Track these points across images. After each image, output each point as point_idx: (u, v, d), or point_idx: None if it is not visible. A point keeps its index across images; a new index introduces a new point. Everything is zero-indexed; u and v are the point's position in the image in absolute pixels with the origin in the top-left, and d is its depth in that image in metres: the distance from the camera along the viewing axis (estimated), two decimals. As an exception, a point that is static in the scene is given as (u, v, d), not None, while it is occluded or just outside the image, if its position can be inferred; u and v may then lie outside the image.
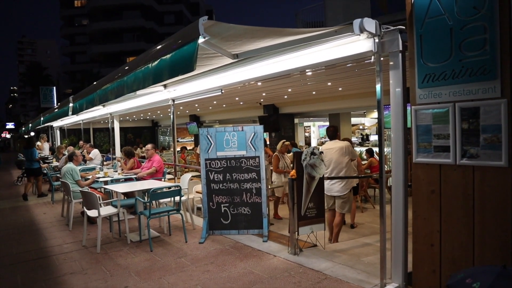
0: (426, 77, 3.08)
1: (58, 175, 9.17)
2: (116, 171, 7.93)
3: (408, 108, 3.32)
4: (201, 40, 3.29)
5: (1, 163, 22.84)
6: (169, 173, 8.60)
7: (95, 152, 10.65)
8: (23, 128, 27.51)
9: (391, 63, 3.35)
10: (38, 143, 15.29)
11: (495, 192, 2.76)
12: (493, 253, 2.78)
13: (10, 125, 72.43)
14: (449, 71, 2.93)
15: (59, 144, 16.99)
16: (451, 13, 2.89)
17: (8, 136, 71.41)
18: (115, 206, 5.42)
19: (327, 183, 5.19)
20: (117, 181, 6.93)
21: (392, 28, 3.28)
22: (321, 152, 4.59)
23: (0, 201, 9.47)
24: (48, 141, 16.84)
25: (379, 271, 3.50)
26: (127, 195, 6.39)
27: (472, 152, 2.85)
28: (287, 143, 8.04)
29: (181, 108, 15.75)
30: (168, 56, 3.74)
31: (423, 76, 3.10)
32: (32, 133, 28.24)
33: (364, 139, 18.59)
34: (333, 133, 5.53)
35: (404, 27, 3.25)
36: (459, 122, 2.92)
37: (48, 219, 7.09)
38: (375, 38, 3.30)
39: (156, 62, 3.98)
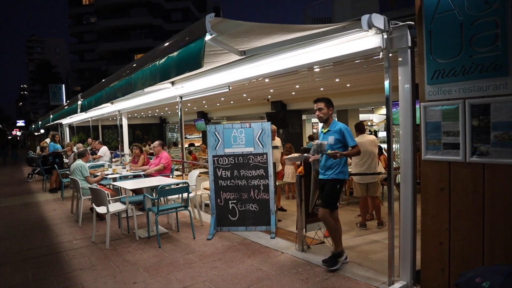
0: (436, 73, 3.04)
1: (67, 172, 9.27)
2: (125, 168, 7.98)
3: (417, 105, 3.28)
4: (208, 37, 3.30)
5: (17, 157, 23.79)
6: (177, 170, 8.64)
7: (104, 149, 10.71)
8: (33, 126, 27.83)
9: (400, 59, 3.32)
10: (47, 140, 15.43)
11: (505, 190, 2.72)
12: (503, 252, 2.75)
13: (20, 123, 73.41)
14: (459, 67, 2.89)
15: (68, 141, 17.14)
16: (461, 8, 2.84)
17: (18, 133, 72.33)
18: (124, 203, 5.46)
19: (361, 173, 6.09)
20: (125, 178, 6.98)
21: (401, 23, 3.24)
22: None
23: (11, 198, 9.61)
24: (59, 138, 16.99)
25: (387, 268, 3.48)
26: (136, 191, 6.44)
27: (483, 149, 2.82)
28: None
29: (188, 104, 15.78)
30: (175, 53, 3.74)
31: (432, 72, 3.06)
32: (42, 131, 28.62)
33: (373, 135, 18.46)
34: (363, 127, 6.30)
35: (413, 23, 3.21)
36: (469, 119, 2.88)
37: (58, 215, 7.17)
38: (383, 34, 3.26)
39: (163, 60, 3.99)
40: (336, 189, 4.02)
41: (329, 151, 3.88)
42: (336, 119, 14.58)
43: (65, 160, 10.93)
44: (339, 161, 3.98)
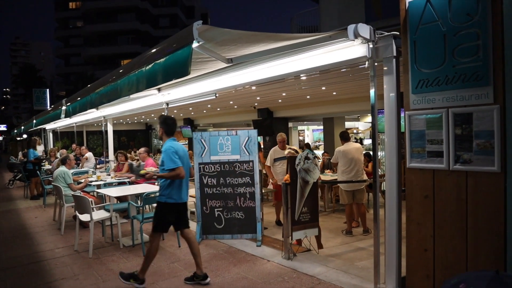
0: (420, 82, 3.09)
1: (50, 178, 9.08)
2: (109, 175, 7.87)
3: (402, 113, 3.33)
4: (195, 44, 3.29)
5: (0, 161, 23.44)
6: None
7: (90, 154, 10.58)
8: (15, 131, 27.27)
9: (385, 68, 3.37)
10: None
11: (488, 197, 2.77)
12: (486, 258, 2.79)
13: (2, 127, 71.77)
14: (443, 77, 2.95)
15: (51, 147, 16.84)
16: (444, 19, 2.91)
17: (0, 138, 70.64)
18: (108, 210, 5.37)
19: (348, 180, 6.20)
20: (110, 185, 6.87)
21: (386, 33, 3.30)
22: (315, 157, 4.60)
23: (-9, 205, 9.36)
24: (41, 144, 16.67)
25: (373, 275, 3.50)
26: (120, 199, 6.34)
27: (465, 157, 2.87)
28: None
29: (175, 111, 15.67)
30: (162, 60, 3.72)
31: (416, 81, 3.11)
32: (25, 136, 28.07)
33: (358, 143, 18.62)
34: (347, 135, 6.45)
35: (398, 33, 3.27)
36: (452, 127, 2.93)
37: (39, 223, 7.01)
38: (369, 43, 3.31)
39: (150, 66, 3.97)
40: (158, 211, 3.88)
41: (140, 172, 3.92)
42: (323, 127, 14.72)
43: (48, 167, 10.73)
44: (161, 183, 3.90)
